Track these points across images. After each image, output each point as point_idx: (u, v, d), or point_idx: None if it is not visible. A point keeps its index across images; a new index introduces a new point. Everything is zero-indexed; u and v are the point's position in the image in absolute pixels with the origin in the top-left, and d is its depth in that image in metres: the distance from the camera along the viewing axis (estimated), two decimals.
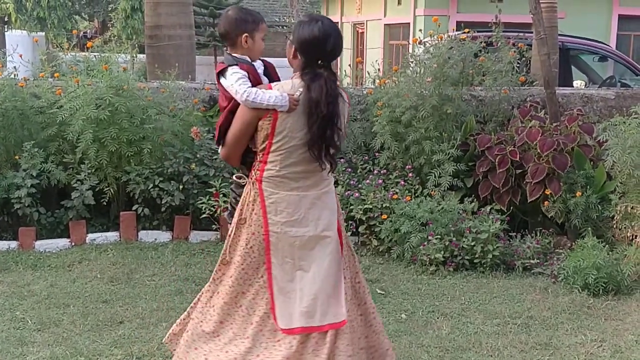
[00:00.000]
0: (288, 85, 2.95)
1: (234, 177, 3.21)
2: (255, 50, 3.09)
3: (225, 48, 3.14)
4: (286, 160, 2.95)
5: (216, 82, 3.10)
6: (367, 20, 19.71)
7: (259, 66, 3.12)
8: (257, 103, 2.89)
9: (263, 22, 3.12)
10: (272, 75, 3.14)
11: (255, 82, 3.01)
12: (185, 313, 3.34)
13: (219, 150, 3.15)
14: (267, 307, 3.02)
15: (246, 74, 2.99)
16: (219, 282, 3.16)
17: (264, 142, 2.96)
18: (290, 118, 2.91)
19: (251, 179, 3.05)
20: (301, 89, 2.90)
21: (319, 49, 2.91)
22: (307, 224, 3.00)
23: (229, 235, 3.10)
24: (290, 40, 2.98)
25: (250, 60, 3.08)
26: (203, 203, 5.89)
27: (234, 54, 3.07)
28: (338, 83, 2.98)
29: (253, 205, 3.02)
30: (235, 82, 2.94)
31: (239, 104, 2.97)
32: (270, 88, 2.94)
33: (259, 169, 3.01)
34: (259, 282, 3.04)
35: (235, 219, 3.09)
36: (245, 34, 3.04)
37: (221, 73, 3.03)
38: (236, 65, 3.01)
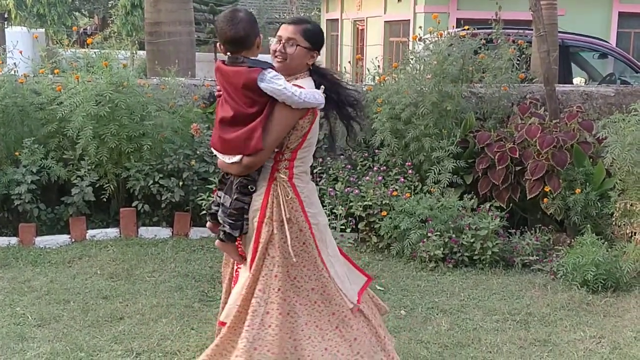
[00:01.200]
0: (310, 83, 3.05)
1: (239, 182, 3.04)
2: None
3: (233, 53, 2.98)
4: (310, 154, 3.11)
5: (242, 87, 2.92)
6: (367, 17, 19.69)
7: None
8: (311, 103, 2.96)
9: None
10: None
11: None
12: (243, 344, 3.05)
13: (243, 159, 2.97)
14: (338, 295, 3.10)
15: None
16: (285, 291, 3.05)
17: (297, 140, 3.02)
18: (319, 115, 3.08)
19: (279, 178, 3.03)
20: (322, 86, 3.04)
21: None
22: (322, 211, 3.22)
23: (287, 238, 3.02)
24: (306, 47, 3.02)
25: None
26: (203, 199, 5.89)
27: (252, 58, 2.99)
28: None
29: (292, 203, 3.03)
30: (285, 84, 2.90)
31: (272, 108, 2.93)
32: (302, 88, 2.98)
33: (287, 167, 3.04)
34: (323, 274, 3.10)
35: (279, 222, 3.02)
36: (260, 35, 3.04)
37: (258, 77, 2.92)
38: (271, 68, 2.97)
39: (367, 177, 6.03)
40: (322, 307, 3.09)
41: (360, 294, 3.24)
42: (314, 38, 3.03)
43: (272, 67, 2.98)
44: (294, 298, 3.06)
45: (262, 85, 2.90)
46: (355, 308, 3.15)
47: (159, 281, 5.05)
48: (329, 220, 5.32)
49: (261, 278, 3.03)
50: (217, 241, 3.15)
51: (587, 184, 5.66)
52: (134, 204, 6.07)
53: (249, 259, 3.08)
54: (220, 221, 3.12)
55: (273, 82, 2.89)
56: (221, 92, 3.04)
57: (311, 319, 3.08)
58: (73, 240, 5.88)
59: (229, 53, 2.99)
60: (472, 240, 5.40)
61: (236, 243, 3.12)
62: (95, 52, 6.51)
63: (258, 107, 2.92)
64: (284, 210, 3.00)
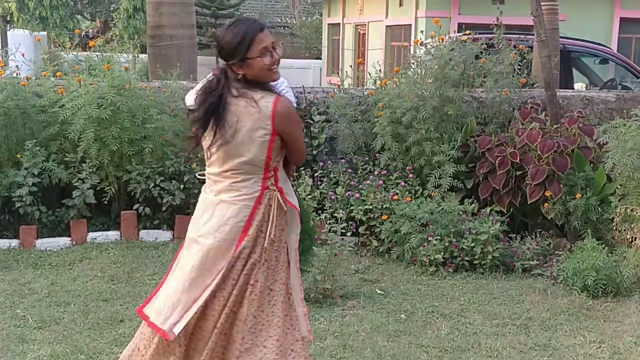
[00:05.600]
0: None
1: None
2: None
3: None
4: (207, 160, 2.94)
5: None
6: (368, 22, 19.70)
7: None
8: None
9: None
10: None
11: None
12: None
13: None
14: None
15: None
16: None
17: None
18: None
19: None
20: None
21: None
22: (196, 224, 2.95)
23: None
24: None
25: None
26: None
27: None
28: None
29: None
30: None
31: None
32: None
33: None
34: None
35: None
36: None
37: None
38: None
39: (368, 181, 6.03)
40: None
41: (161, 332, 2.84)
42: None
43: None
44: None
45: None
46: (140, 314, 2.95)
47: None
48: (329, 224, 5.35)
49: None
50: None
51: (588, 189, 5.66)
52: (135, 207, 6.08)
53: None
54: None
55: None
56: None
57: None
58: (74, 242, 5.89)
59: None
60: (472, 245, 5.40)
61: None
62: (97, 55, 6.52)
63: None
64: None
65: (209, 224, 2.89)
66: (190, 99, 2.92)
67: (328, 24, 22.94)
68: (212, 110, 2.78)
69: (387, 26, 18.53)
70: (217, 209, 2.88)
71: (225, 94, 2.80)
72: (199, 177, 3.18)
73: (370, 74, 6.89)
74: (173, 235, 6.08)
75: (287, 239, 2.98)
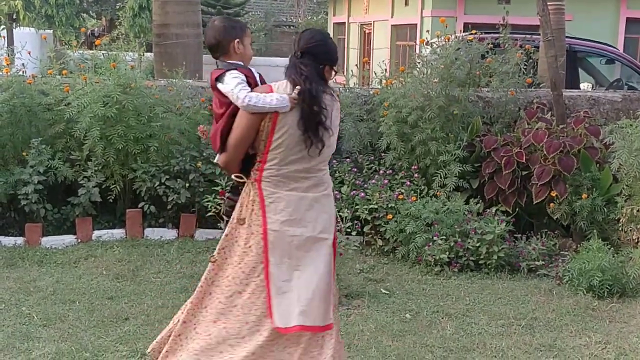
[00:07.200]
0: (283, 85, 3.00)
1: (233, 176, 3.12)
2: (247, 55, 3.15)
3: (216, 59, 3.16)
4: (286, 158, 2.99)
5: (211, 88, 3.12)
6: (374, 21, 19.70)
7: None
8: (259, 107, 2.93)
9: (248, 29, 3.21)
10: (262, 82, 3.14)
11: (255, 85, 3.05)
12: (171, 324, 3.30)
13: (217, 159, 3.14)
14: (264, 306, 3.02)
15: (245, 78, 3.03)
16: (211, 283, 3.14)
17: (262, 142, 2.99)
18: (290, 115, 2.95)
19: (250, 180, 3.07)
20: (298, 87, 2.94)
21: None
22: (305, 224, 3.03)
23: (225, 236, 3.12)
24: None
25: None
26: (209, 201, 5.90)
27: (229, 61, 3.11)
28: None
29: (252, 205, 3.04)
30: (235, 86, 2.97)
31: (238, 107, 2.99)
32: (272, 90, 2.97)
33: (258, 169, 3.03)
34: (256, 282, 3.03)
35: (232, 220, 3.11)
36: (237, 40, 3.11)
37: (218, 79, 3.04)
38: (235, 69, 3.04)
39: (373, 181, 6.03)
40: (239, 312, 3.04)
41: (319, 329, 3.03)
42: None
43: (242, 70, 3.06)
44: (215, 296, 3.10)
45: (219, 85, 3.03)
46: (281, 330, 2.99)
47: (165, 282, 5.06)
48: None
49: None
50: None
51: (594, 189, 5.65)
52: (140, 205, 6.08)
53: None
54: None
55: (228, 83, 3.00)
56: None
57: (222, 319, 3.07)
58: (79, 240, 5.90)
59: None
60: (477, 245, 5.39)
61: None
62: (103, 54, 6.53)
63: (225, 107, 3.03)
64: (240, 210, 3.09)
65: (321, 220, 3.07)
66: (274, 99, 2.92)
67: (333, 23, 22.96)
68: (322, 107, 2.98)
69: (392, 25, 18.52)
70: (320, 204, 3.07)
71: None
72: (236, 179, 3.13)
73: (375, 73, 6.89)
74: (178, 233, 6.08)
75: None
